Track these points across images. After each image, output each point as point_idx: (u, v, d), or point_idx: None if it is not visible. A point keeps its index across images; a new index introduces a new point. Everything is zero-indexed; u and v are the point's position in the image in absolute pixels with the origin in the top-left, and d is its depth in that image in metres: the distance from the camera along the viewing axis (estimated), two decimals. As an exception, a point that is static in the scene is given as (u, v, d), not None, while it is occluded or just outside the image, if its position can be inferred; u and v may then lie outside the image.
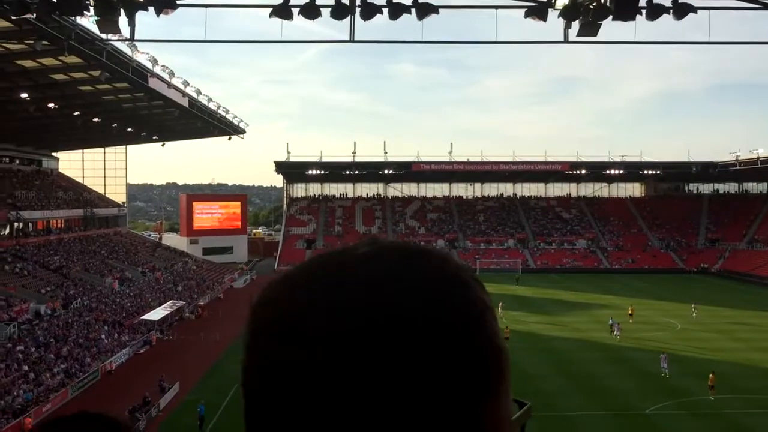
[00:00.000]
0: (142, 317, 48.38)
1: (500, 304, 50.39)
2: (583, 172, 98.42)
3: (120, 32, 22.40)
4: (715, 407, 30.32)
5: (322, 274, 0.76)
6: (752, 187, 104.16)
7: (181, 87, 51.13)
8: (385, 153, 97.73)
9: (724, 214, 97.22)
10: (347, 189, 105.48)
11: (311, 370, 0.70)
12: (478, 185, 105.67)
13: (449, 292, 0.74)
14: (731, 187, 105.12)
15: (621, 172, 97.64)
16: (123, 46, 37.26)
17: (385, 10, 19.97)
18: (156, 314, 49.36)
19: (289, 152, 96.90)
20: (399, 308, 0.70)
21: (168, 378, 34.31)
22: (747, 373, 35.84)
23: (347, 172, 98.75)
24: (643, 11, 20.18)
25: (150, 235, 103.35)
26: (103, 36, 32.96)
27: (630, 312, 52.30)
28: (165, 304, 52.65)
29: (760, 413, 29.46)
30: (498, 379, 0.74)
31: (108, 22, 21.11)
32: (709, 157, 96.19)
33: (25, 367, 33.89)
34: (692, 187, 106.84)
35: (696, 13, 20.73)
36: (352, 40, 22.28)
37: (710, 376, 32.17)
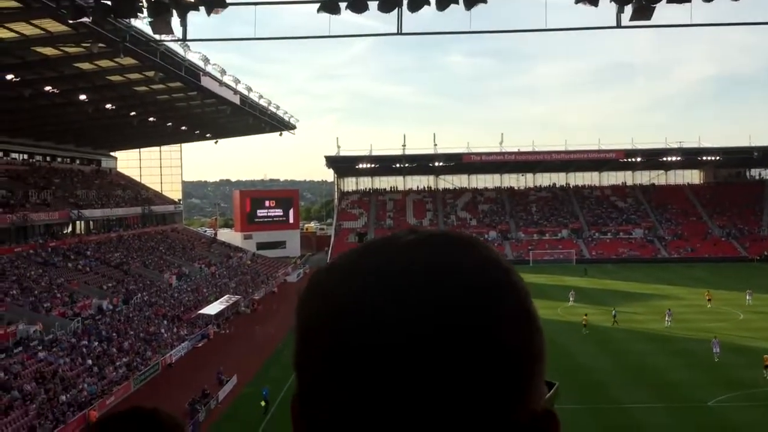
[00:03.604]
0: (200, 312, 49.40)
1: (571, 292, 55.13)
2: (639, 159, 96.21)
3: (172, 32, 22.82)
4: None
5: (374, 263, 0.75)
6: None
7: (233, 85, 51.80)
8: (435, 145, 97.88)
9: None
10: (398, 182, 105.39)
11: (363, 363, 0.69)
12: (529, 175, 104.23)
13: (502, 278, 0.75)
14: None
15: (678, 158, 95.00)
16: (176, 46, 37.90)
17: (433, 1, 19.79)
18: (213, 309, 50.34)
19: (339, 146, 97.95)
20: (455, 298, 0.70)
21: (226, 371, 34.98)
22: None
23: (397, 165, 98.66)
24: (700, -8, 19.54)
25: (205, 231, 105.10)
26: (157, 37, 33.61)
27: (708, 298, 52.39)
28: (221, 299, 53.62)
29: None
30: (543, 361, 0.76)
31: (161, 23, 21.55)
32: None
33: (89, 361, 34.95)
34: (754, 172, 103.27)
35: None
36: (399, 33, 22.20)
37: (766, 357, 31.58)
